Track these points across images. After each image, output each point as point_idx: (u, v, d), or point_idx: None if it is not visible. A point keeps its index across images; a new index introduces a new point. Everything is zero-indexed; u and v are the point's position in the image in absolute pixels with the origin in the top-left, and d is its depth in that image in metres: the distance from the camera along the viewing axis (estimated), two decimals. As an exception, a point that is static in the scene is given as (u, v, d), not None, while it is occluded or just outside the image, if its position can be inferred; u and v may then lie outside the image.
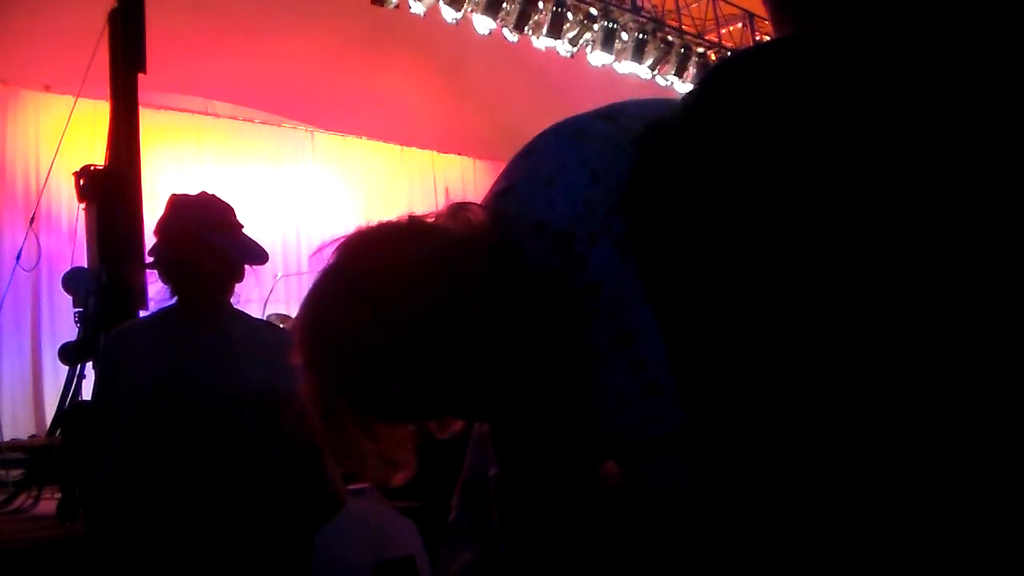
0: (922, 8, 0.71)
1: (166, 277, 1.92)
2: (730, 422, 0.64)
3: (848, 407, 0.59)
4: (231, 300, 1.97)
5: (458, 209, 0.85)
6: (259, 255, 1.96)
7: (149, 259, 1.95)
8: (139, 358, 1.83)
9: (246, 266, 1.96)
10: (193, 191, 2.02)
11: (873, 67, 0.65)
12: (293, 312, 7.15)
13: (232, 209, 1.96)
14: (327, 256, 0.84)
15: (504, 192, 0.84)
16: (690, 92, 0.73)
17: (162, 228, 1.92)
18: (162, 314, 2.01)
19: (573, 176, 0.79)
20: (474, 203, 0.86)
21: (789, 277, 0.62)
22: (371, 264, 0.80)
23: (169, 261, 1.90)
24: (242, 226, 1.97)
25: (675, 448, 0.73)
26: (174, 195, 1.97)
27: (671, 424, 0.73)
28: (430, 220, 0.84)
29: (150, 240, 2.01)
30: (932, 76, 0.64)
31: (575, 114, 0.90)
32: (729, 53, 7.24)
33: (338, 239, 0.85)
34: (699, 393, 0.67)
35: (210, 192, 1.99)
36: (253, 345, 1.93)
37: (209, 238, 1.85)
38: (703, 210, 0.65)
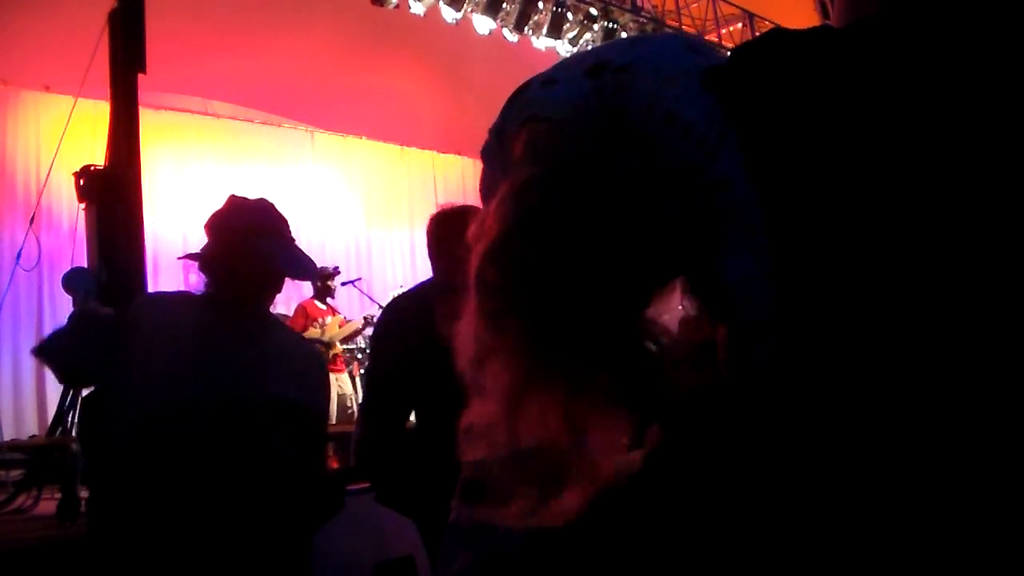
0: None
1: (208, 272, 1.89)
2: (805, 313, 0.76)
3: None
4: (268, 309, 1.95)
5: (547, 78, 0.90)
6: (306, 270, 1.94)
7: (192, 253, 1.93)
8: (165, 337, 1.79)
9: (288, 280, 1.94)
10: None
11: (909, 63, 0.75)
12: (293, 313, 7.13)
13: (286, 221, 1.94)
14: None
15: (622, 70, 0.87)
16: (739, 49, 0.85)
17: (215, 225, 1.91)
18: (196, 300, 1.92)
19: (692, 84, 0.85)
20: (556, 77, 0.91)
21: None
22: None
23: (215, 258, 1.88)
24: (294, 239, 1.96)
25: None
26: (233, 196, 1.96)
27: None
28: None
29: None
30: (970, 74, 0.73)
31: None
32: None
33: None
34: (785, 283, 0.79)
35: (264, 199, 1.97)
36: (281, 357, 1.91)
37: (258, 243, 1.84)
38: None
